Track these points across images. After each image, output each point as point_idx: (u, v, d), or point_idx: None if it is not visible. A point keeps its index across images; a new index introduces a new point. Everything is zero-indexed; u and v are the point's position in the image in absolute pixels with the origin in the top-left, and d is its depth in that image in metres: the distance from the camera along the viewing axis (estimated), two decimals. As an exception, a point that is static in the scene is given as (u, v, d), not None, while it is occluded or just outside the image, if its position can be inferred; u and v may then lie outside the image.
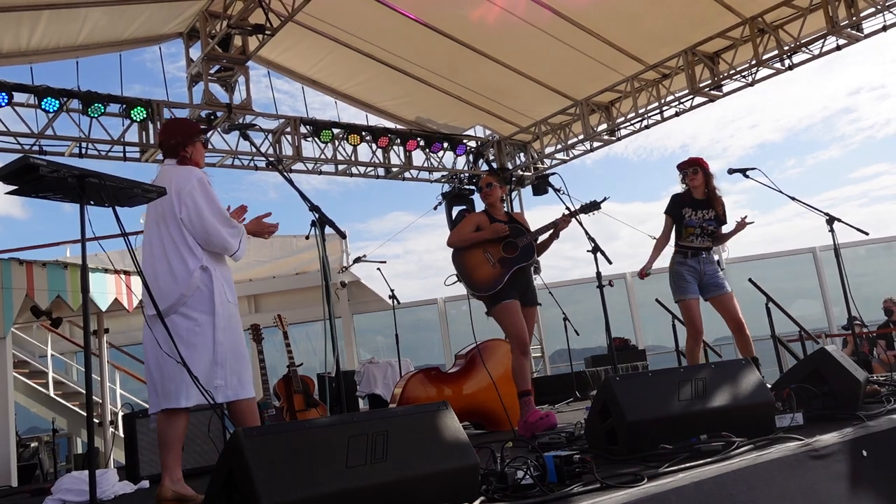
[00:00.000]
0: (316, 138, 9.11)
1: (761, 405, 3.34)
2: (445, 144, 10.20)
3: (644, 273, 5.47)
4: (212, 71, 7.73)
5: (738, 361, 3.57)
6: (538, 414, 4.74)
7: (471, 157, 10.73)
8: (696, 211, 5.39)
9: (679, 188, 5.60)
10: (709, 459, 2.76)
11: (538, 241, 5.12)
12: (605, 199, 5.05)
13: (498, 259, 4.95)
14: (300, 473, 2.05)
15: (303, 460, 2.08)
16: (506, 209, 5.30)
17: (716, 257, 5.53)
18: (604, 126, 9.84)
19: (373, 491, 2.15)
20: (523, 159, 11.01)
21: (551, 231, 5.07)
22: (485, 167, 10.77)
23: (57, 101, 7.24)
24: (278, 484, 1.99)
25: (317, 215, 3.15)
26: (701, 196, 5.43)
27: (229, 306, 3.38)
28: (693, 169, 5.42)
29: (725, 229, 5.49)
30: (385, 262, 9.55)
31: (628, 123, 9.66)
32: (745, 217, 5.41)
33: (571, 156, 10.58)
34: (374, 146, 9.59)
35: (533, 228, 5.15)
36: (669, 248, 5.54)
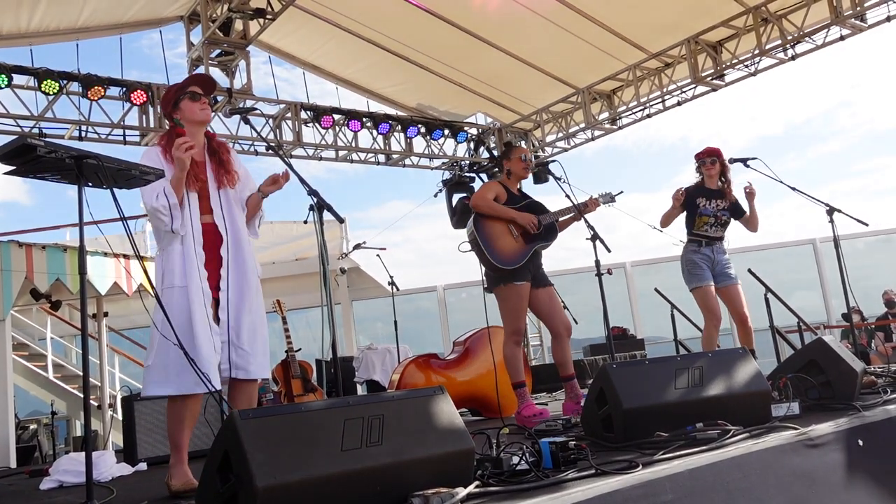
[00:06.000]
0: (316, 124, 9.08)
1: (758, 394, 3.34)
2: (446, 131, 10.16)
3: (680, 192, 5.31)
4: (212, 55, 7.69)
5: (735, 351, 3.56)
6: (533, 410, 4.73)
7: (471, 145, 10.69)
8: (710, 200, 5.42)
9: (693, 177, 5.59)
10: (704, 447, 2.77)
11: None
12: (620, 193, 5.14)
13: (521, 232, 4.81)
14: (295, 455, 2.06)
15: (298, 442, 2.09)
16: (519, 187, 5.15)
17: (727, 246, 5.52)
18: (605, 115, 9.81)
19: (368, 474, 2.16)
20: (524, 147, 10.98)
21: (572, 214, 4.91)
22: (485, 155, 10.73)
23: (57, 84, 7.22)
24: (273, 465, 2.00)
25: (315, 199, 3.13)
26: (714, 186, 5.45)
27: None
28: (711, 160, 5.45)
29: (738, 209, 5.46)
30: (385, 248, 9.54)
31: (630, 112, 9.64)
32: (748, 185, 5.38)
33: (572, 144, 10.56)
34: (374, 132, 9.56)
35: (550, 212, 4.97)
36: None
